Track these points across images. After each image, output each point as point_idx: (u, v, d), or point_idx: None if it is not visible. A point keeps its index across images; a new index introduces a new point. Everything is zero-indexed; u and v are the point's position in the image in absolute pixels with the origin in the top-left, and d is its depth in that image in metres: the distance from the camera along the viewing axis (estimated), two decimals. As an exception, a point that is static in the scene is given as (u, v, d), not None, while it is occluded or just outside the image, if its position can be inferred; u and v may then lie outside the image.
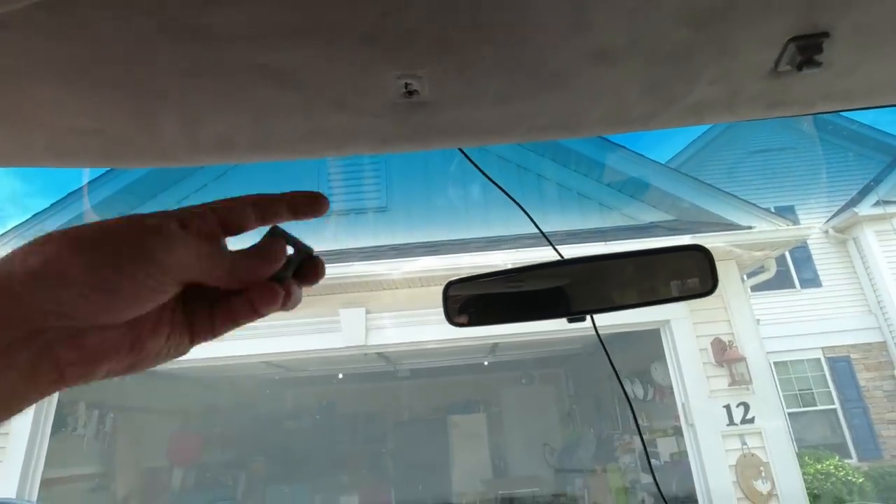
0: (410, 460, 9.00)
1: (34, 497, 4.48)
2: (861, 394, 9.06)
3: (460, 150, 0.75)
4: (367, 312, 4.86)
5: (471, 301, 0.81)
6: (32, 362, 0.27)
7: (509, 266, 0.79)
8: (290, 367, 7.16)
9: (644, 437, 6.24)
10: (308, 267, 0.38)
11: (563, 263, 0.77)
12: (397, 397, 9.68)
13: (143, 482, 6.90)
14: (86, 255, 0.29)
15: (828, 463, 7.34)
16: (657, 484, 0.75)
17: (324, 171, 5.68)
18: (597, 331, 0.79)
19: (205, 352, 4.86)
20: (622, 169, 5.17)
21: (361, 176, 5.67)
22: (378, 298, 4.94)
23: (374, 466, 9.17)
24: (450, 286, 0.81)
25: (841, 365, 9.24)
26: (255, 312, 0.35)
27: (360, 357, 6.10)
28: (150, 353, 0.32)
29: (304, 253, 0.38)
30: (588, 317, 0.80)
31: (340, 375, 8.76)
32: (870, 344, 9.30)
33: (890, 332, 9.17)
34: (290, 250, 0.37)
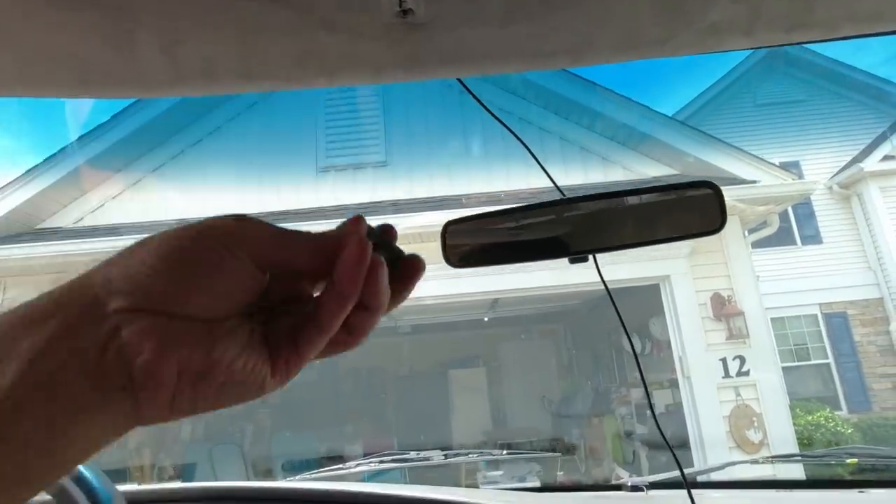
0: (412, 412, 9.28)
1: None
2: (855, 349, 9.22)
3: (459, 80, 0.71)
4: (368, 268, 4.86)
5: (470, 241, 0.78)
6: (101, 350, 0.24)
7: (511, 206, 0.76)
8: (292, 323, 7.24)
9: (641, 389, 6.39)
10: (401, 267, 0.34)
11: (567, 201, 0.74)
12: (399, 352, 9.86)
13: (153, 434, 7.11)
14: (154, 243, 0.27)
15: (818, 415, 7.55)
16: (659, 427, 0.75)
17: (321, 128, 5.56)
18: (600, 272, 0.77)
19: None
20: (626, 122, 5.05)
21: (360, 130, 5.55)
22: (378, 254, 4.92)
23: (376, 418, 9.46)
24: (448, 226, 0.79)
25: (837, 321, 9.36)
26: (341, 299, 0.29)
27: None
28: (224, 360, 0.27)
29: (390, 250, 0.34)
30: (591, 258, 0.78)
31: (342, 331, 8.87)
32: (867, 300, 9.38)
33: (888, 288, 9.23)
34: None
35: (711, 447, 4.46)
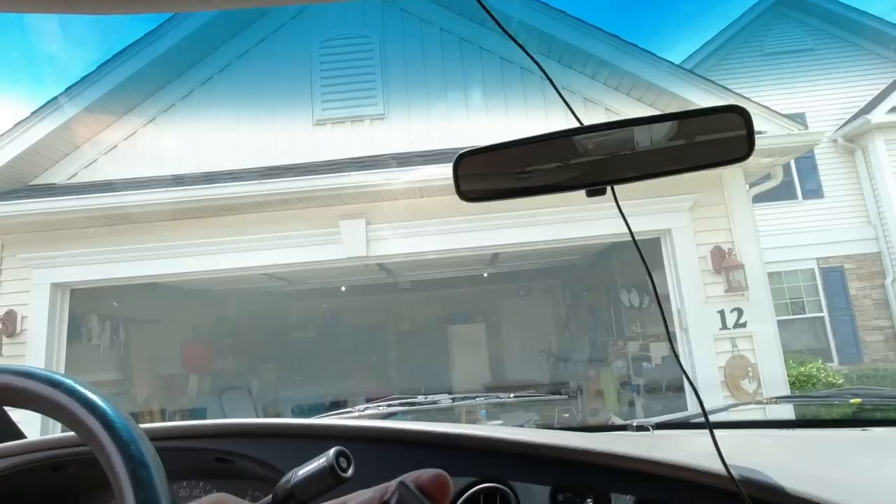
0: (413, 367, 9.48)
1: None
2: (850, 302, 9.33)
3: (473, -5, 0.65)
4: (368, 224, 4.83)
5: (484, 174, 0.75)
6: None
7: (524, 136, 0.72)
8: (292, 279, 7.28)
9: (638, 342, 6.50)
10: None
11: (585, 130, 0.71)
12: (399, 308, 9.97)
13: (160, 387, 7.27)
14: None
15: (810, 366, 7.72)
16: (682, 368, 0.74)
17: (316, 80, 5.39)
18: (618, 204, 0.74)
19: (206, 264, 4.90)
20: (631, 70, 4.89)
21: (357, 83, 5.39)
22: (378, 209, 4.89)
23: (378, 373, 9.68)
24: (461, 159, 0.75)
25: (833, 275, 9.43)
26: None
27: (361, 269, 6.17)
28: None
29: None
30: (609, 191, 0.75)
31: (343, 288, 8.95)
32: (865, 254, 9.42)
33: (886, 242, 9.25)
34: None
35: (707, 395, 4.58)
